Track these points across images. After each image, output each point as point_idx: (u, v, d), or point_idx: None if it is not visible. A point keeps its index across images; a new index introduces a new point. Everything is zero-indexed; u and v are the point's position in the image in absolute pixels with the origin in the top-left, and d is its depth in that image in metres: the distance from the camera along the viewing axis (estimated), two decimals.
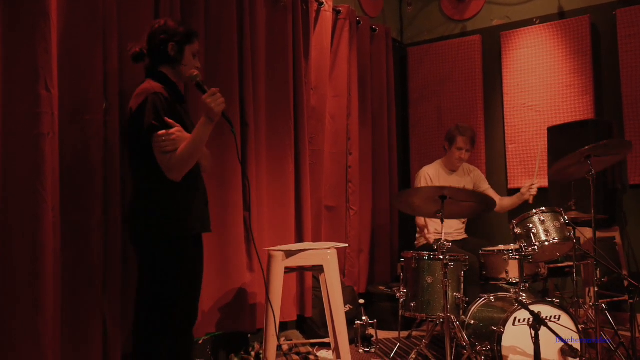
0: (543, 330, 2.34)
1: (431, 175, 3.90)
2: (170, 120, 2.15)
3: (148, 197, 2.20)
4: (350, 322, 3.29)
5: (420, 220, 3.83)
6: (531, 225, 3.02)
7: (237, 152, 2.70)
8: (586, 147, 2.85)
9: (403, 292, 3.13)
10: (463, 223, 3.98)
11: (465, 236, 3.98)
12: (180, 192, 2.19)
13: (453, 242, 3.64)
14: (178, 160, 2.12)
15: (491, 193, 3.93)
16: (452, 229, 3.86)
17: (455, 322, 2.92)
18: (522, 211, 3.29)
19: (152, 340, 2.20)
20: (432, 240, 3.64)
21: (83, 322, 2.36)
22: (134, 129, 2.18)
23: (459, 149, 3.79)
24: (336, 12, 4.16)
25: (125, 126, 2.28)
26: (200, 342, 3.02)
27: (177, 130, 2.15)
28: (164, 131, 2.11)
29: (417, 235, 4.01)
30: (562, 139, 4.01)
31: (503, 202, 3.86)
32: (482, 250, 3.37)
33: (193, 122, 2.33)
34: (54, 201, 2.17)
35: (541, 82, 4.47)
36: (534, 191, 3.62)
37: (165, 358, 2.23)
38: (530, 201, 3.60)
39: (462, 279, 3.05)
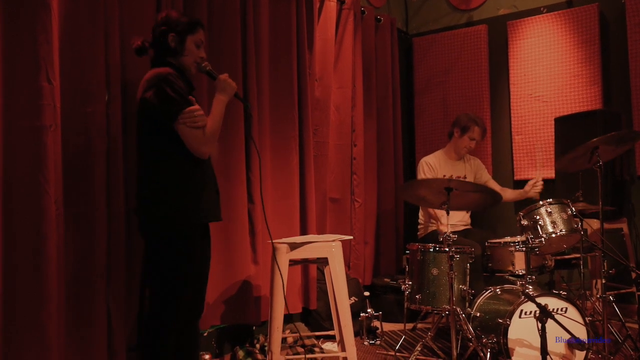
0: (550, 323, 2.32)
1: (431, 163, 3.86)
2: (192, 98, 2.19)
3: (159, 185, 2.17)
4: (355, 315, 3.28)
5: (432, 210, 3.80)
6: (538, 217, 3.00)
7: (249, 129, 2.76)
8: (594, 140, 2.81)
9: (408, 284, 3.11)
10: (467, 213, 3.94)
11: (469, 227, 3.94)
12: (193, 180, 2.20)
13: (456, 232, 3.62)
14: (210, 133, 2.18)
15: (492, 184, 3.91)
16: (455, 220, 3.83)
17: (461, 314, 2.90)
18: (528, 202, 3.26)
19: (159, 331, 2.19)
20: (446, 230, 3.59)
21: (87, 316, 2.35)
22: (151, 114, 2.14)
23: (472, 139, 3.78)
24: (340, 2, 4.12)
25: (135, 115, 2.24)
26: (205, 334, 3.02)
27: (198, 107, 2.17)
28: (192, 107, 2.13)
29: (420, 226, 3.99)
30: (569, 129, 3.96)
31: (505, 194, 3.75)
32: (488, 242, 3.34)
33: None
34: (57, 194, 2.17)
35: (548, 72, 4.41)
36: (539, 188, 3.57)
37: (172, 350, 2.22)
38: (537, 197, 3.54)
39: (467, 271, 3.03)
